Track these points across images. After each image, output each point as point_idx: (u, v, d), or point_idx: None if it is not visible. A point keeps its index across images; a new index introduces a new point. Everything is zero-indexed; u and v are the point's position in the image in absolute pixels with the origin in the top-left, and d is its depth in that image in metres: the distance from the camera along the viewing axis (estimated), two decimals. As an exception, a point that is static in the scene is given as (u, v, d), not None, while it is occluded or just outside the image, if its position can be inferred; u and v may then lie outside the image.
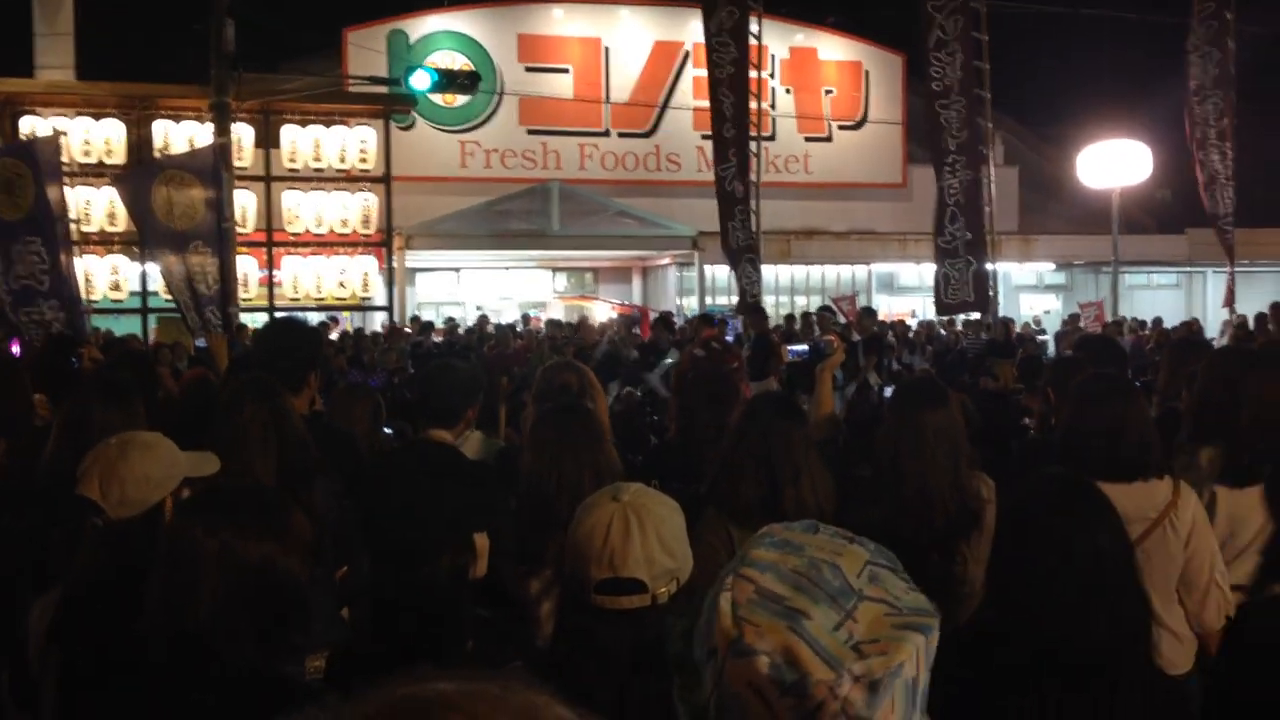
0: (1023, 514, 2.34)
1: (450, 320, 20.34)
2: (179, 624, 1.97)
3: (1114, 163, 21.58)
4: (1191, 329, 18.54)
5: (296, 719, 0.70)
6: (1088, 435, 3.38)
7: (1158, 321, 19.46)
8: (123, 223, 17.07)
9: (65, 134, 16.12)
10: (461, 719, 0.68)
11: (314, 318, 18.58)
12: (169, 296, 15.83)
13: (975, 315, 15.91)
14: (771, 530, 1.31)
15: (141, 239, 12.40)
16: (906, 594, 1.23)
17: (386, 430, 5.71)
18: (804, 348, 6.10)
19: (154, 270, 17.28)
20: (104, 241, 17.40)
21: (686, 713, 1.24)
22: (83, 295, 11.38)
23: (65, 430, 3.36)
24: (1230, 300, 18.06)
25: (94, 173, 17.28)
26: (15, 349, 10.11)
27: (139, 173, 13.10)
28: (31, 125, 17.24)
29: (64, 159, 12.20)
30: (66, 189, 11.47)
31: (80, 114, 17.63)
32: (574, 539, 2.05)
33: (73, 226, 12.03)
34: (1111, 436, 3.34)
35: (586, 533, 2.03)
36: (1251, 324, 15.57)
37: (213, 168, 11.35)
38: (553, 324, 19.32)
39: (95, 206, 17.30)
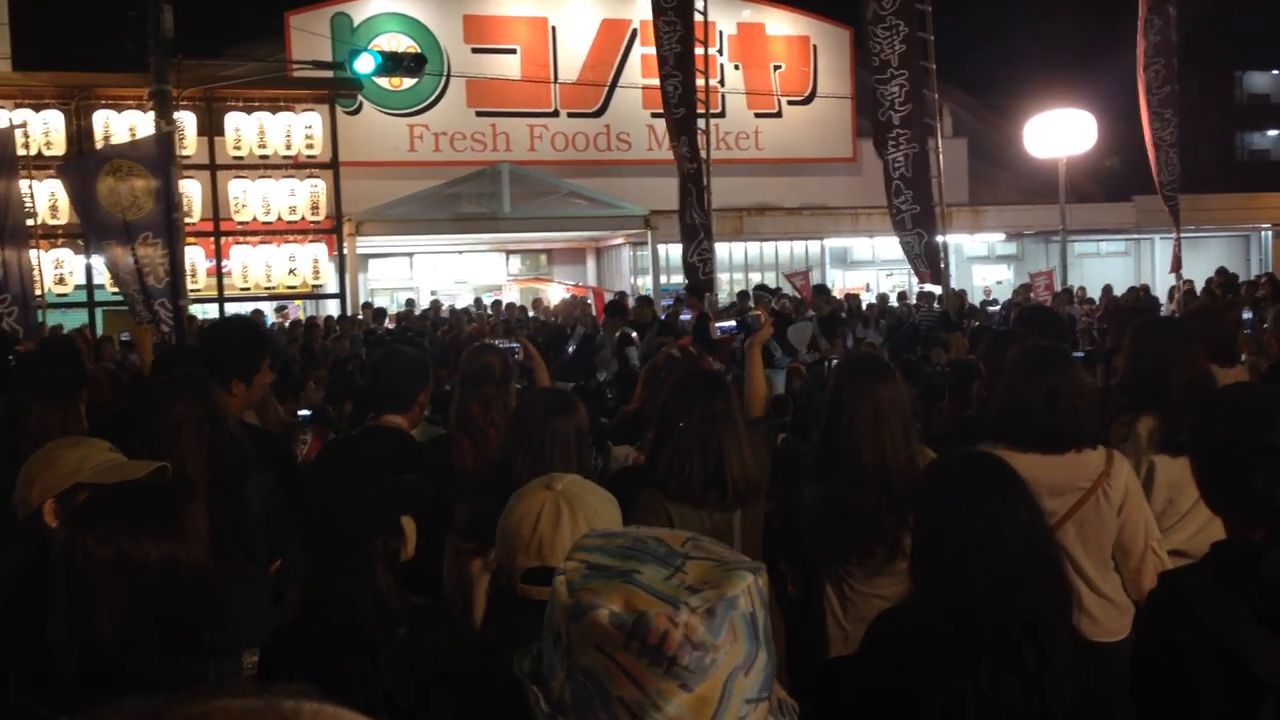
0: (945, 492, 2.36)
1: (410, 302, 20.21)
2: (83, 638, 1.91)
3: (1060, 132, 21.75)
4: (1139, 296, 18.80)
5: None
6: (1022, 407, 3.42)
7: (1107, 289, 19.68)
8: (66, 215, 16.81)
9: (24, 124, 15.79)
10: None
11: (266, 307, 18.45)
12: (115, 289, 15.65)
13: (928, 287, 16.04)
14: (591, 532, 1.39)
15: (88, 231, 12.20)
16: (730, 553, 1.29)
17: (304, 412, 5.69)
18: (732, 324, 6.09)
19: (99, 263, 17.07)
20: (47, 235, 17.10)
21: (548, 711, 1.24)
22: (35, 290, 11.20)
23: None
24: (1177, 266, 18.29)
25: (35, 165, 16.96)
26: None
27: (82, 163, 12.85)
28: (-32, 118, 16.91)
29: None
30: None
31: (19, 105, 17.30)
32: (504, 526, 2.02)
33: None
34: (1047, 408, 3.37)
35: (516, 520, 2.00)
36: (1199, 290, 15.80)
37: (160, 156, 11.17)
38: (513, 307, 19.32)
39: (37, 199, 17.00)
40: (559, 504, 1.98)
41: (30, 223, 16.67)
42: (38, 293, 12.58)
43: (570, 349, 12.85)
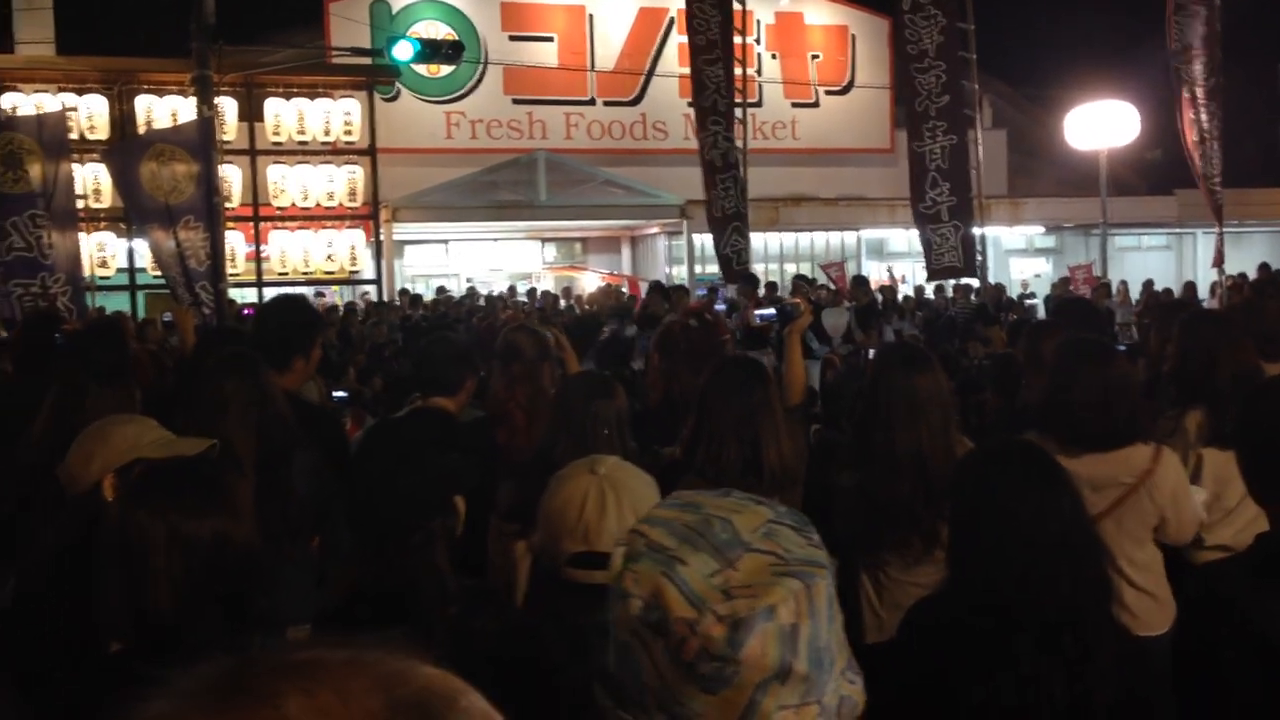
0: (984, 481, 2.35)
1: (441, 289, 20.28)
2: (139, 611, 1.95)
3: (1101, 124, 21.52)
4: (1183, 293, 18.55)
5: (136, 692, 0.70)
6: (1070, 403, 3.39)
7: (1148, 284, 19.46)
8: (108, 199, 16.97)
9: (75, 109, 15.97)
10: (312, 680, 0.68)
11: (304, 292, 18.58)
12: (157, 273, 15.79)
13: (965, 280, 15.92)
14: (679, 493, 1.34)
15: (131, 214, 12.33)
16: (802, 549, 1.23)
17: (338, 395, 5.75)
18: (771, 311, 6.09)
19: (141, 246, 17.23)
20: (90, 218, 17.27)
21: (595, 673, 1.26)
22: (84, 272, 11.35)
23: (56, 410, 3.34)
24: (1220, 261, 18.06)
25: (78, 149, 17.13)
26: None
27: (126, 147, 12.99)
28: (13, 101, 17.09)
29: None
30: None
31: (62, 89, 17.47)
32: (548, 509, 2.03)
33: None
34: (1093, 405, 3.35)
35: (561, 504, 2.00)
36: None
37: (201, 141, 11.27)
38: (548, 295, 19.37)
39: (80, 183, 17.19)
40: (604, 489, 1.99)
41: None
42: (85, 275, 12.77)
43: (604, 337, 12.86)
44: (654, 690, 1.17)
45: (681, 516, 1.26)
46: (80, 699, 1.99)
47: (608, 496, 1.98)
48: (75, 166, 16.97)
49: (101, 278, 17.59)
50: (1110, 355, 3.57)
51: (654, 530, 1.24)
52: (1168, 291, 18.62)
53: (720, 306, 12.74)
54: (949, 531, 2.47)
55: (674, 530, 1.23)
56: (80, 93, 17.47)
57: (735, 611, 1.14)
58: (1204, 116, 17.13)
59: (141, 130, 16.72)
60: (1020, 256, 28.09)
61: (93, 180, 17.09)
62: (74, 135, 17.16)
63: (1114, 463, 3.35)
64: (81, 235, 16.87)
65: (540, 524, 2.05)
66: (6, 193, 9.85)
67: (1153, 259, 27.52)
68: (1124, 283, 20.39)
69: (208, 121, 11.79)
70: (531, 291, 19.78)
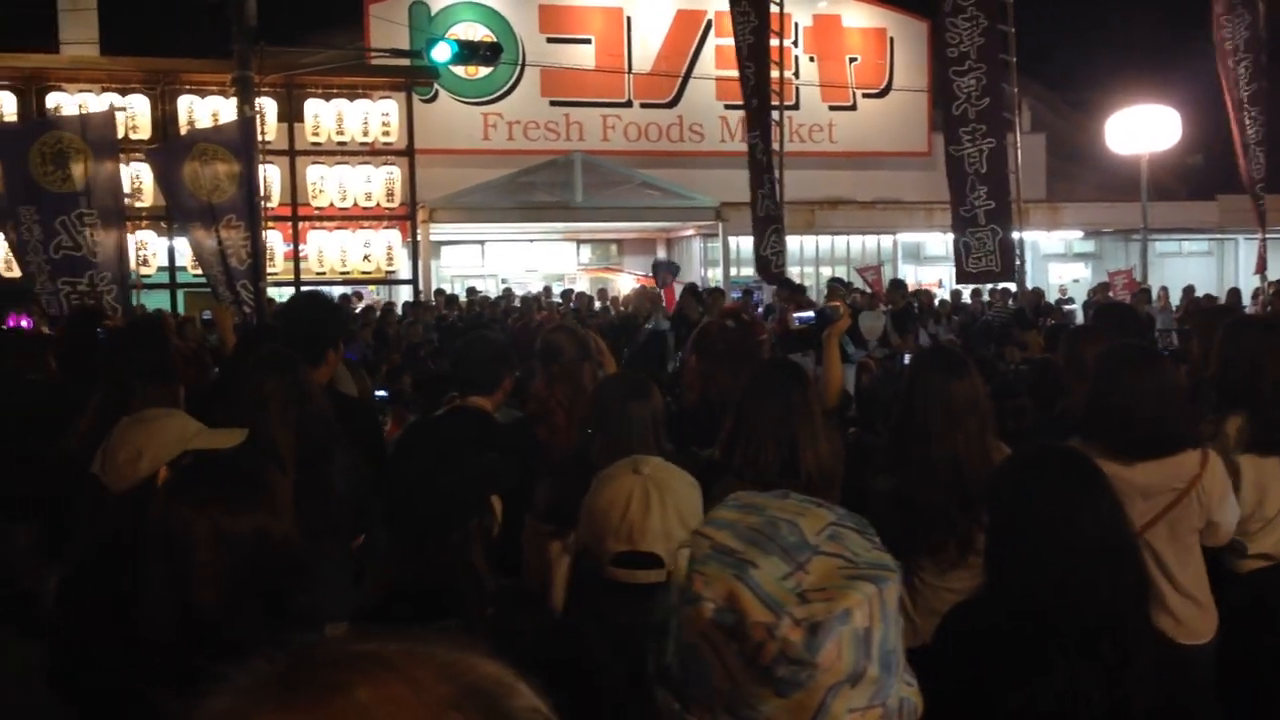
0: (1022, 485, 2.34)
1: (471, 290, 20.35)
2: (183, 607, 1.97)
3: (1143, 128, 21.33)
4: (1231, 299, 18.33)
5: (244, 668, 0.71)
6: (1121, 409, 3.36)
7: (1188, 290, 19.24)
8: (150, 198, 17.17)
9: (125, 108, 16.17)
10: (380, 670, 0.69)
11: (337, 292, 18.72)
12: (197, 272, 15.93)
13: (1003, 285, 15.79)
14: (739, 495, 1.33)
15: (173, 213, 12.45)
16: (868, 552, 1.22)
17: (380, 393, 5.77)
18: (810, 314, 6.08)
19: (181, 245, 17.41)
20: (131, 217, 17.46)
21: (654, 675, 1.26)
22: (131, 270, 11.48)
23: (101, 408, 3.37)
24: (1262, 267, 17.84)
25: (121, 148, 17.32)
26: (24, 323, 10.26)
27: (170, 146, 13.13)
28: (57, 101, 17.33)
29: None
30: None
31: (106, 89, 17.69)
32: (591, 509, 2.03)
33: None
34: (1146, 412, 3.31)
35: (605, 504, 2.00)
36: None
37: (243, 141, 11.38)
38: (583, 296, 19.41)
39: (124, 182, 17.39)
40: (648, 489, 1.98)
41: (117, 205, 17.19)
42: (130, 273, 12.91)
43: (641, 338, 12.89)
44: (723, 693, 1.17)
45: (745, 519, 1.25)
46: (124, 695, 2.01)
47: (651, 496, 1.97)
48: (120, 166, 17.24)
49: (142, 276, 17.80)
50: (1160, 361, 3.54)
51: (719, 533, 1.24)
52: (1208, 298, 18.40)
53: (758, 309, 12.71)
54: (987, 536, 2.45)
55: (739, 533, 1.23)
56: (123, 93, 17.68)
57: (812, 615, 1.14)
58: (1247, 121, 16.94)
59: (183, 130, 16.90)
60: (1058, 261, 27.85)
61: (134, 180, 17.28)
62: (118, 135, 17.40)
63: (1166, 469, 3.32)
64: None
65: (583, 523, 2.05)
66: (55, 191, 9.98)
67: (1193, 265, 27.21)
68: (1164, 289, 20.18)
69: (249, 121, 11.91)
70: (567, 293, 19.83)
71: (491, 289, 22.75)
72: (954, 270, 14.05)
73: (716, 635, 1.16)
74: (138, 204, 17.49)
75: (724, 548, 1.21)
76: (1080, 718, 2.13)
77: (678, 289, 16.63)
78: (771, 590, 1.16)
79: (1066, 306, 18.34)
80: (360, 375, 4.89)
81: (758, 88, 16.36)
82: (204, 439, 2.64)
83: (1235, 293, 18.71)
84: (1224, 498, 3.41)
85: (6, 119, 17.04)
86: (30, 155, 9.94)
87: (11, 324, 11.71)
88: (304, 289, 10.90)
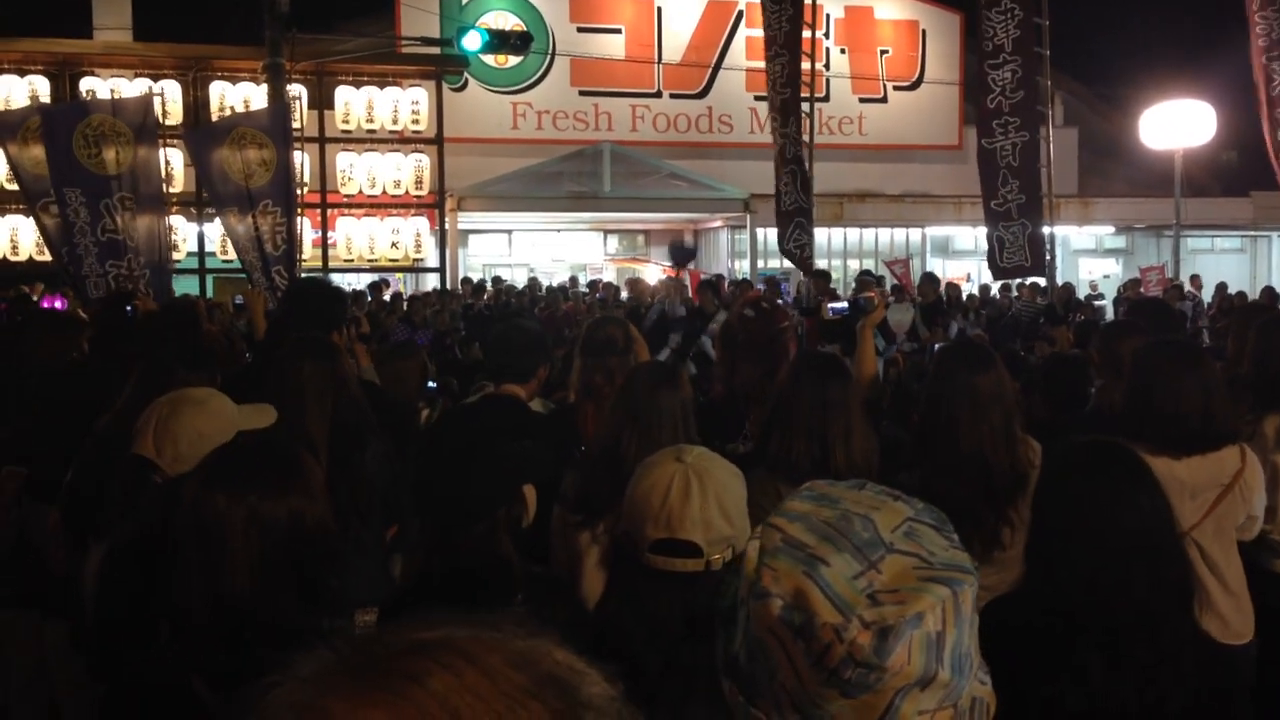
0: (1061, 480, 2.31)
1: (497, 279, 20.37)
2: (217, 591, 1.96)
3: (1177, 124, 21.11)
4: (1265, 297, 18.13)
5: (306, 657, 0.70)
6: (1152, 407, 3.33)
7: (1221, 287, 19.05)
8: (180, 183, 17.25)
9: (162, 93, 16.27)
10: (455, 658, 0.68)
11: (365, 279, 18.79)
12: (226, 257, 15.99)
13: (1033, 280, 15.67)
14: (814, 485, 1.30)
15: (210, 198, 12.52)
16: (945, 551, 1.20)
17: (431, 385, 5.77)
18: (844, 305, 6.05)
19: (210, 230, 17.50)
20: (165, 202, 17.58)
21: (721, 664, 1.24)
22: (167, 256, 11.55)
23: (143, 389, 3.38)
24: (1295, 265, 17.65)
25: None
26: (58, 303, 10.35)
27: (209, 130, 13.16)
28: (90, 86, 17.44)
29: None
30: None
31: (139, 75, 17.78)
32: (632, 497, 2.02)
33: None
34: (1181, 410, 3.29)
35: (645, 491, 1.99)
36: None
37: (279, 126, 11.42)
38: (609, 287, 19.40)
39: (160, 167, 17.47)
40: (689, 477, 1.97)
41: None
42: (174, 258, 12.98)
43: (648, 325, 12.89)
44: (790, 690, 1.15)
45: (819, 511, 1.22)
46: (160, 680, 2.02)
47: (692, 484, 1.96)
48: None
49: (174, 261, 17.90)
50: (1203, 357, 3.51)
51: (791, 525, 1.21)
52: (1241, 295, 18.21)
53: (787, 299, 12.68)
54: (1029, 530, 2.43)
55: (812, 526, 1.20)
56: (156, 78, 17.75)
57: (883, 618, 1.11)
58: (1281, 118, 16.71)
59: (215, 117, 16.97)
60: (1089, 257, 27.63)
61: (166, 165, 17.36)
62: (150, 120, 17.50)
63: (1212, 465, 3.30)
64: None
65: (625, 509, 2.04)
66: (98, 174, 10.06)
67: (1226, 261, 26.94)
68: (1196, 276, 19.94)
69: (285, 107, 11.95)
70: (593, 284, 19.82)
71: (519, 278, 22.77)
72: (983, 264, 13.97)
73: (784, 633, 1.14)
74: (170, 189, 17.57)
75: (796, 541, 1.19)
76: (1112, 718, 2.10)
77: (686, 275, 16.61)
78: (841, 590, 1.13)
79: (1097, 302, 18.19)
80: (423, 362, 4.99)
81: (790, 79, 16.28)
82: (245, 419, 2.66)
83: (1270, 290, 18.50)
84: (1260, 491, 3.40)
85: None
86: (75, 138, 10.03)
87: (46, 305, 11.82)
88: (306, 275, 10.94)
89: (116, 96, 15.25)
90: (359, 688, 0.66)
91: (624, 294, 19.83)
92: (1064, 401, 4.68)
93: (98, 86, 17.36)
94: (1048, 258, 14.88)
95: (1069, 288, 17.18)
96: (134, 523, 2.55)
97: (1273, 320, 4.37)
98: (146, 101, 11.37)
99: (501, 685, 0.67)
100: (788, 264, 17.84)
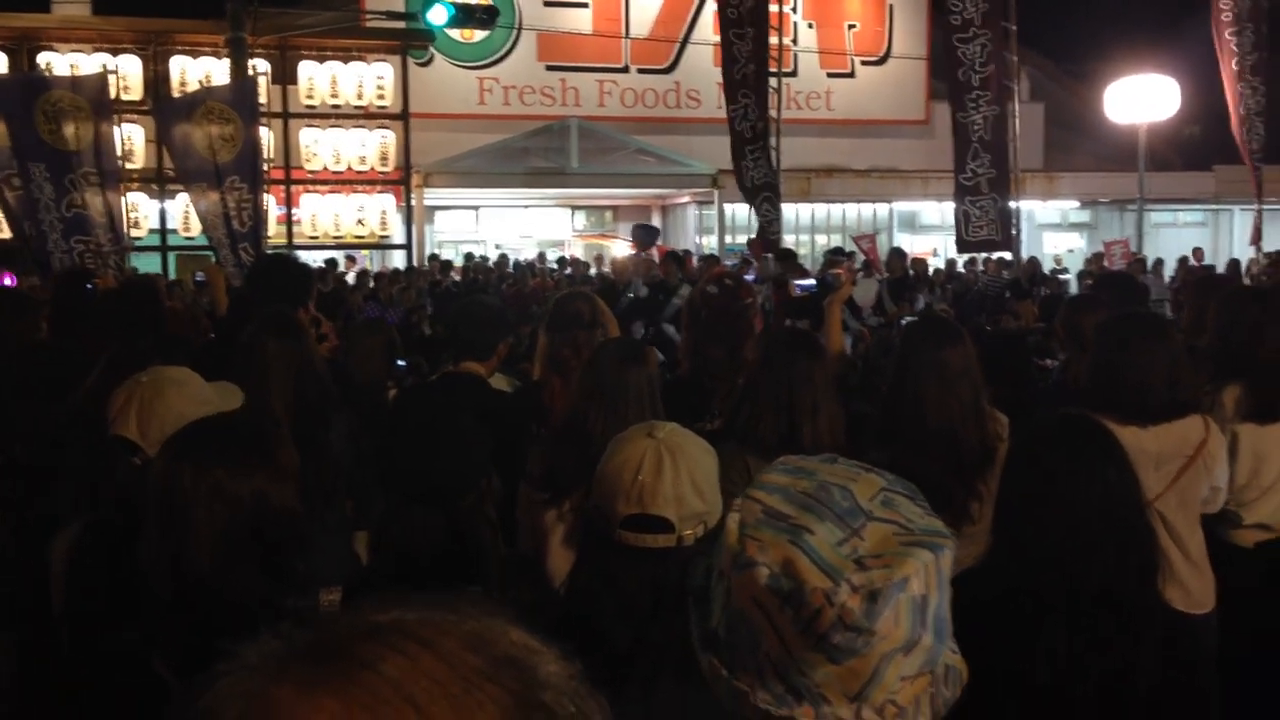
0: (1029, 453, 2.32)
1: (469, 255, 20.26)
2: (180, 566, 1.96)
3: (1141, 98, 21.25)
4: (1230, 269, 18.32)
5: (255, 644, 0.68)
6: (1119, 379, 3.36)
7: (1183, 260, 19.24)
8: (141, 159, 17.04)
9: (116, 70, 16.04)
10: (408, 642, 0.67)
11: (334, 256, 18.66)
12: (189, 234, 15.83)
13: (999, 254, 15.77)
14: (787, 459, 1.31)
15: (177, 173, 12.40)
16: (921, 518, 1.22)
17: (400, 363, 5.73)
18: (811, 282, 6.07)
19: (172, 208, 17.29)
20: (122, 179, 17.34)
21: (699, 639, 1.24)
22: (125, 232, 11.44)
23: (114, 372, 3.33)
24: (1258, 238, 17.84)
25: (112, 110, 17.16)
26: (6, 280, 10.25)
27: (176, 104, 12.99)
28: (48, 61, 17.17)
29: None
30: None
31: (97, 49, 17.52)
32: (603, 472, 2.00)
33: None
34: (1148, 380, 3.31)
35: (617, 467, 1.98)
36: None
37: (250, 102, 11.30)
38: (578, 263, 19.34)
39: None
40: (661, 452, 1.96)
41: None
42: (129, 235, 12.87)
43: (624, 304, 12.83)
44: (775, 659, 1.16)
45: (796, 483, 1.24)
46: (128, 654, 2.00)
47: (664, 460, 1.95)
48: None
49: (134, 238, 17.69)
50: (1168, 328, 3.54)
51: (770, 497, 1.22)
52: (1209, 267, 18.40)
53: (750, 276, 12.64)
54: (996, 504, 2.44)
55: (791, 498, 1.22)
56: (115, 53, 17.51)
57: (871, 582, 1.13)
58: (1247, 91, 16.88)
59: (175, 92, 16.76)
60: (1054, 231, 27.80)
61: (125, 141, 17.14)
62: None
63: (1177, 434, 3.34)
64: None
65: (595, 484, 2.03)
66: (59, 149, 9.96)
67: (1189, 235, 27.16)
68: (1159, 261, 20.15)
69: (251, 82, 11.82)
70: (561, 260, 19.74)
71: (487, 254, 22.66)
72: (950, 239, 14.05)
73: (770, 601, 1.15)
74: (129, 165, 17.35)
75: (776, 512, 1.20)
76: (1077, 690, 2.12)
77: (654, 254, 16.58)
78: (829, 556, 1.15)
79: (1061, 276, 18.32)
80: (391, 339, 4.96)
81: (756, 54, 16.24)
82: (223, 400, 2.64)
83: (1235, 264, 18.74)
84: (1223, 462, 3.43)
85: (-3, 79, 16.89)
86: (35, 114, 9.91)
87: (-1, 282, 11.67)
88: (269, 253, 10.85)
89: (76, 72, 15.02)
90: (309, 675, 0.64)
91: (604, 268, 19.69)
92: (1008, 381, 4.68)
93: (56, 61, 17.10)
94: (1014, 232, 14.98)
95: (1034, 262, 17.30)
96: (115, 500, 2.52)
97: (1236, 293, 4.41)
98: (101, 78, 11.23)
99: (457, 668, 0.66)
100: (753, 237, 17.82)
